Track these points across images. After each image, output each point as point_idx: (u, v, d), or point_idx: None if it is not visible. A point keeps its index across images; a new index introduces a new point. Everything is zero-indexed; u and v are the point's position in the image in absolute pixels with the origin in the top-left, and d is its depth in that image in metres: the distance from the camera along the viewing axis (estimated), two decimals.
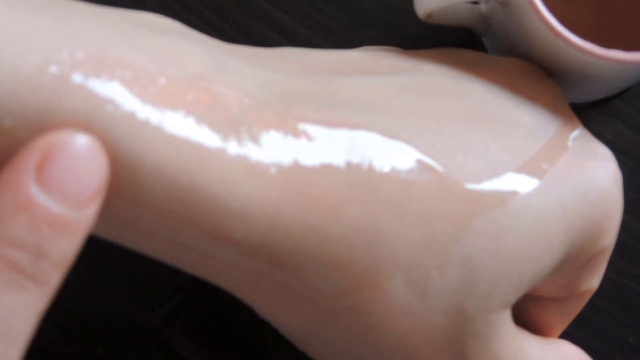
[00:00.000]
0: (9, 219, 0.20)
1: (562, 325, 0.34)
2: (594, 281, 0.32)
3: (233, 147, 0.23)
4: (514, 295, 0.28)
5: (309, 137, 0.25)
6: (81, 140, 0.21)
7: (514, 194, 0.28)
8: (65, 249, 0.21)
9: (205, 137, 0.23)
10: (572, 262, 0.30)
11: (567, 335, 0.36)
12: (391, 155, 0.26)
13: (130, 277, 0.40)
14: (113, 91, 0.21)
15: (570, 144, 0.31)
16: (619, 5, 0.39)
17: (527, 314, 0.34)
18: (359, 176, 0.25)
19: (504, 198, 0.27)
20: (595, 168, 0.30)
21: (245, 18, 0.43)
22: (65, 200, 0.20)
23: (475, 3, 0.39)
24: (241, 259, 0.25)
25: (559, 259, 0.29)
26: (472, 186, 0.27)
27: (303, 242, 0.25)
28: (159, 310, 0.40)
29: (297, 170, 0.24)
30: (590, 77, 0.35)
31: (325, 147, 0.25)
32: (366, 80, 0.29)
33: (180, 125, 0.22)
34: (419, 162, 0.26)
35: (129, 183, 0.22)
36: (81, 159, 0.21)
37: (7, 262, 0.20)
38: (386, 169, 0.26)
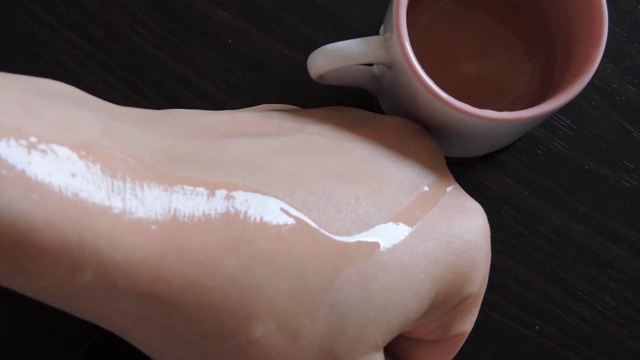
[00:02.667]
0: None
1: None
2: (465, 325, 0.35)
3: (118, 206, 0.25)
4: (382, 339, 0.30)
5: (189, 197, 0.27)
6: None
7: (381, 246, 0.30)
8: None
9: (92, 196, 0.25)
10: (440, 307, 0.33)
11: None
12: (266, 211, 0.28)
13: (46, 314, 0.42)
14: (7, 156, 0.24)
15: (440, 199, 0.33)
16: (502, 65, 0.42)
17: (406, 355, 0.36)
18: (234, 231, 0.27)
19: (371, 250, 0.30)
20: (462, 221, 0.33)
21: (158, 76, 0.46)
22: None
23: (370, 65, 0.42)
24: (125, 305, 0.27)
25: (426, 305, 0.31)
26: (341, 239, 0.29)
27: (182, 292, 0.26)
28: (76, 349, 0.42)
29: (177, 226, 0.26)
30: (469, 133, 0.38)
31: (204, 205, 0.27)
32: (249, 141, 0.31)
33: (68, 185, 0.24)
34: (292, 217, 0.29)
35: (22, 236, 0.24)
36: None
37: None
38: (261, 224, 0.28)
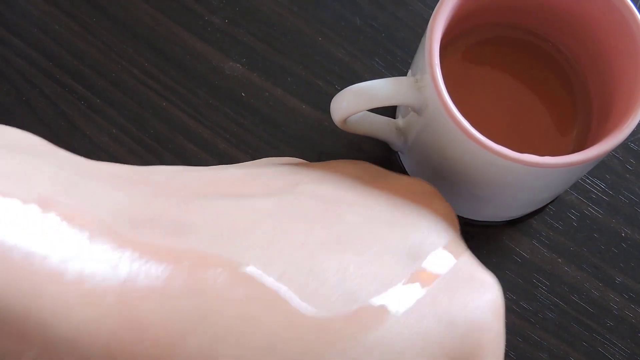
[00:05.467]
0: None
1: None
2: None
3: (71, 272, 0.22)
4: None
5: (151, 265, 0.24)
6: None
7: (370, 325, 0.26)
8: None
9: (42, 260, 0.22)
10: None
11: None
12: (236, 284, 0.25)
13: None
14: None
15: (446, 270, 0.30)
16: (529, 111, 0.40)
17: None
18: (199, 306, 0.24)
19: (357, 330, 0.26)
20: (468, 297, 0.29)
21: (164, 130, 0.43)
22: None
23: (394, 118, 0.40)
24: None
25: None
26: (323, 317, 0.26)
27: None
28: None
29: (134, 298, 0.23)
30: (505, 184, 0.35)
31: (166, 275, 0.24)
32: (226, 203, 0.28)
33: (16, 246, 0.21)
34: (267, 291, 0.25)
35: None
36: None
37: None
38: (228, 299, 0.25)
